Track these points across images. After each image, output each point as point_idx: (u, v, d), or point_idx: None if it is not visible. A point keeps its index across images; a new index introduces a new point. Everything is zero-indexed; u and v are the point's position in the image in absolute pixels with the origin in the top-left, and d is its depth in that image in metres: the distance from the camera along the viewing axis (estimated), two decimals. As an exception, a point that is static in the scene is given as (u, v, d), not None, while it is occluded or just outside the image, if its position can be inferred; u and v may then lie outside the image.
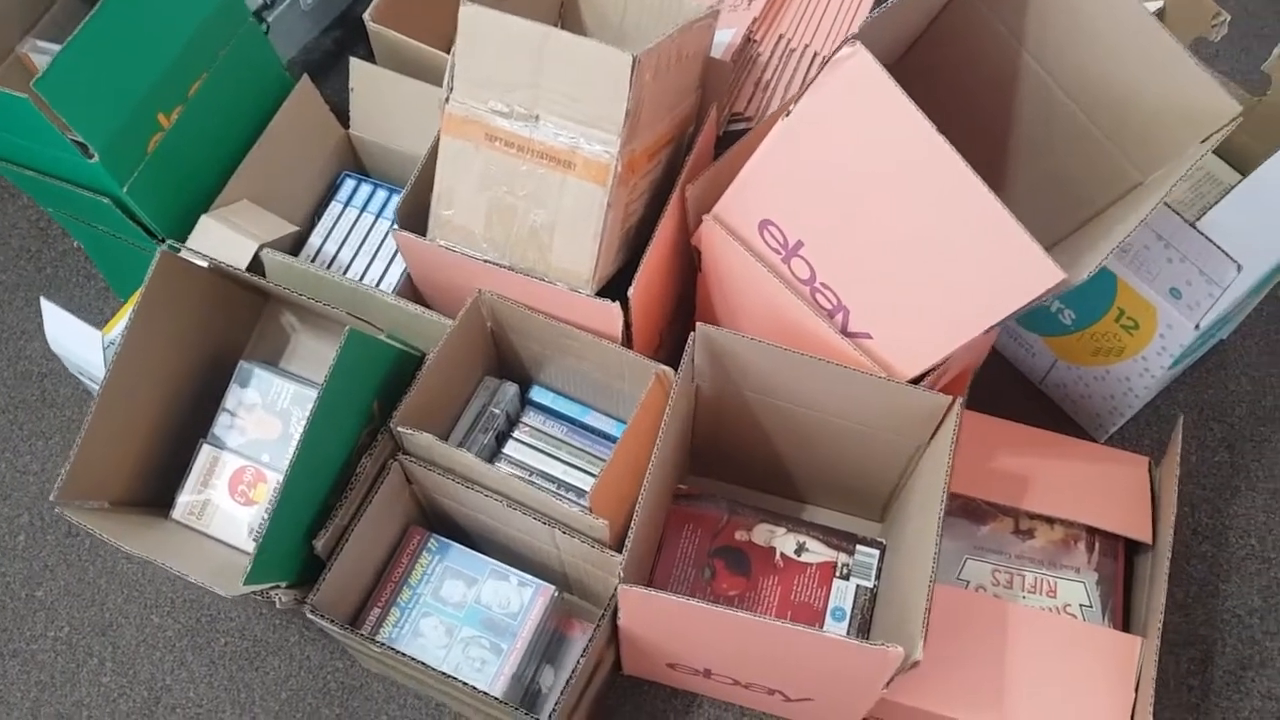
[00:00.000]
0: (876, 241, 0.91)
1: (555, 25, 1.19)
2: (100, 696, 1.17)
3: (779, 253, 1.00)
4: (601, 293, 1.02)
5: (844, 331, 0.99)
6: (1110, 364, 1.18)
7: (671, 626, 0.97)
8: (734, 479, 1.24)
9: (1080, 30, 0.95)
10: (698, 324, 0.99)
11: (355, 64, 1.23)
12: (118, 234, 1.15)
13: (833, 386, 1.00)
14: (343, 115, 1.29)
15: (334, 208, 1.27)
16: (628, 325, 1.05)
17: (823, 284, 0.98)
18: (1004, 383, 1.33)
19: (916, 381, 0.97)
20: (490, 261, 1.02)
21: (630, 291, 1.01)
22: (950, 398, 0.96)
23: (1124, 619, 1.10)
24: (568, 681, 0.96)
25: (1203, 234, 1.00)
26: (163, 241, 1.11)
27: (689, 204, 1.06)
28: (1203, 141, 0.91)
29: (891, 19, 0.88)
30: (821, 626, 1.09)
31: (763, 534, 1.15)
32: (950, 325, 0.90)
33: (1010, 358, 1.33)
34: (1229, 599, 1.20)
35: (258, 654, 1.18)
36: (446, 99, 0.97)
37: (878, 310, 0.96)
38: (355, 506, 1.02)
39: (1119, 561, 1.11)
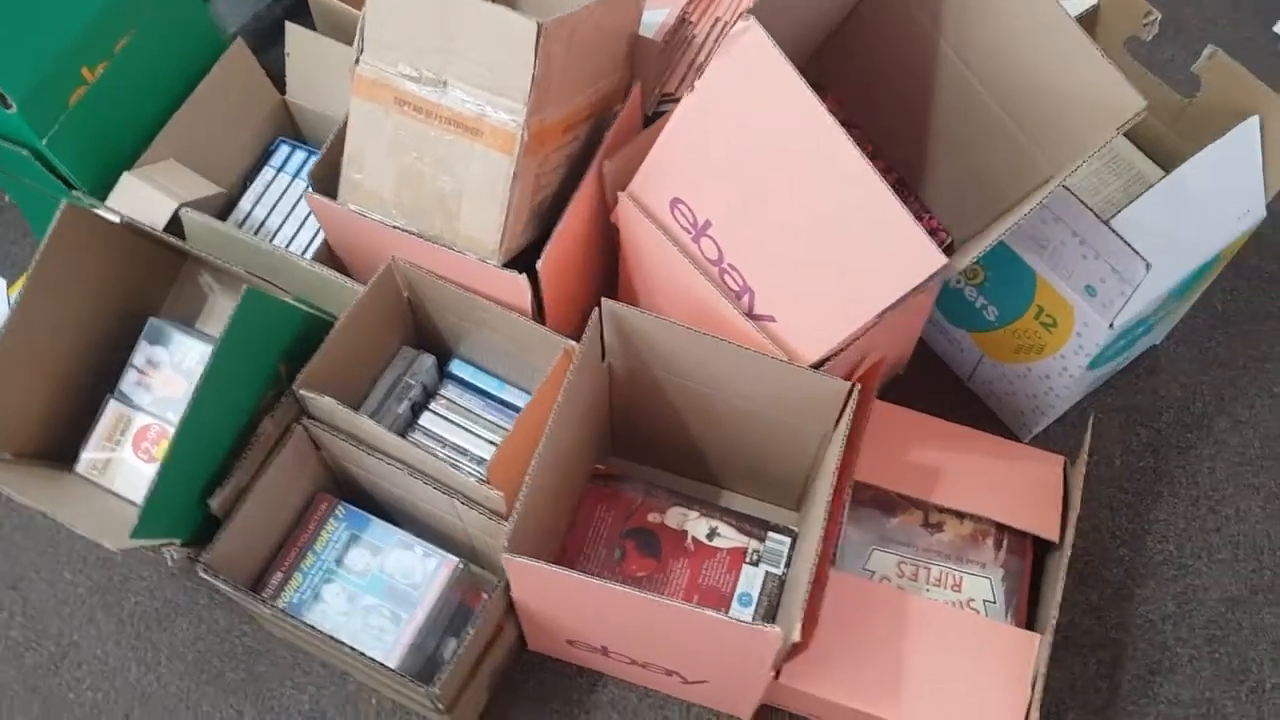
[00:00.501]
0: (777, 222, 0.91)
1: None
2: (7, 650, 1.17)
3: (689, 232, 1.00)
4: (517, 266, 1.02)
5: (749, 314, 0.98)
6: (1031, 361, 1.18)
7: (561, 600, 0.97)
8: (654, 462, 1.24)
9: (994, 21, 0.95)
10: (603, 300, 0.99)
11: (291, 29, 1.23)
12: (42, 187, 1.15)
13: (737, 368, 1.00)
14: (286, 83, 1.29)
15: (266, 173, 1.27)
16: (539, 299, 1.05)
17: (730, 264, 0.98)
18: (934, 378, 1.32)
19: (818, 366, 0.97)
20: (400, 228, 1.02)
21: (539, 264, 1.01)
22: (848, 384, 0.96)
23: (1029, 617, 1.09)
24: (455, 651, 0.96)
25: (1114, 231, 0.99)
26: (84, 194, 1.12)
27: (608, 180, 1.06)
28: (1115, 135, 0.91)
29: (793, -4, 0.87)
30: (727, 611, 1.09)
31: (675, 517, 1.15)
32: (844, 310, 0.90)
33: (940, 353, 1.32)
34: (1143, 604, 1.19)
35: (167, 614, 1.18)
36: (357, 60, 0.97)
37: (781, 293, 0.95)
38: (255, 467, 1.01)
39: (1026, 559, 1.11)
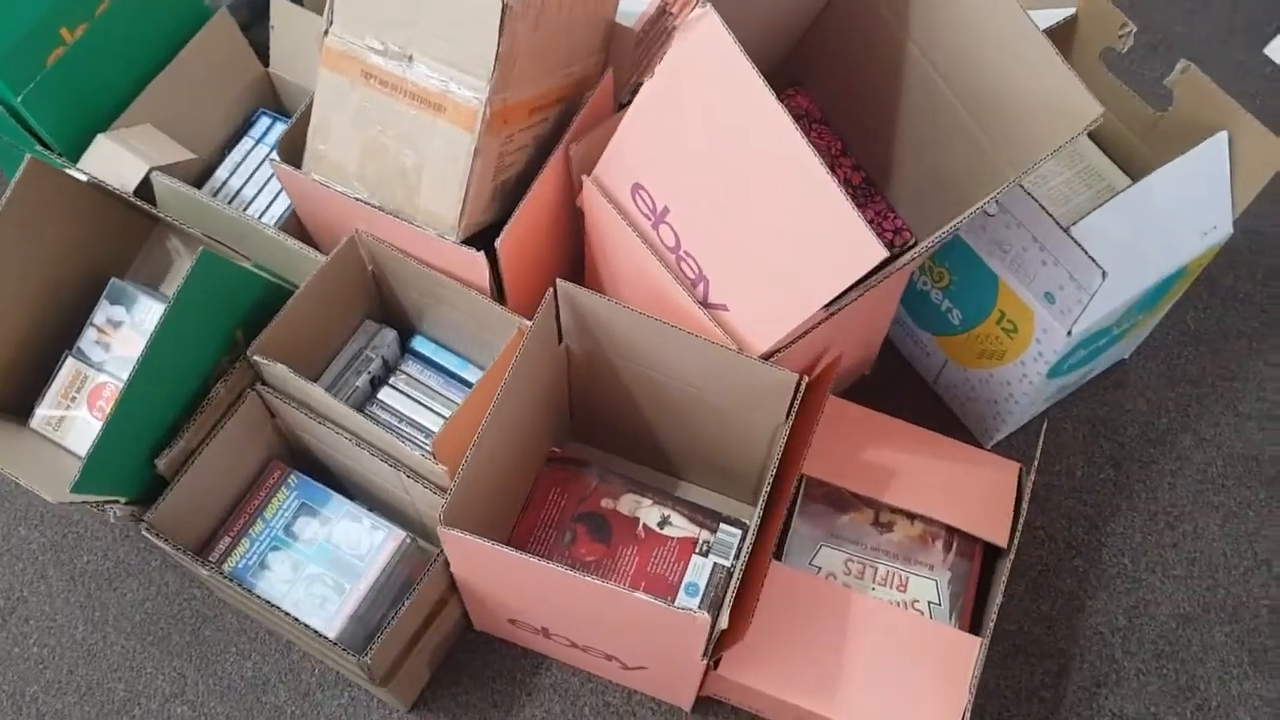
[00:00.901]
0: (729, 211, 0.91)
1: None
2: (-43, 602, 1.18)
3: (649, 218, 1.00)
4: (478, 244, 1.02)
5: (704, 302, 0.98)
6: (993, 367, 1.18)
7: (497, 576, 0.97)
8: (615, 449, 1.24)
9: (959, 23, 0.95)
10: (557, 280, 0.99)
11: (276, 2, 1.24)
12: (19, 146, 1.16)
13: (688, 356, 1.00)
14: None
15: (245, 143, 1.28)
16: (499, 278, 1.05)
17: (686, 252, 0.98)
18: (900, 381, 1.32)
19: (769, 358, 0.97)
20: (362, 200, 1.02)
21: (498, 243, 1.01)
22: (796, 376, 0.96)
23: (974, 622, 1.09)
24: (386, 617, 0.96)
25: (1072, 238, 0.99)
26: (60, 155, 1.13)
27: (574, 164, 1.06)
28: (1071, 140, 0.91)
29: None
30: (674, 600, 1.09)
31: (629, 504, 1.15)
32: (790, 301, 0.90)
33: (907, 355, 1.32)
34: (1094, 616, 1.19)
35: (118, 575, 1.19)
36: (326, 31, 0.97)
37: (733, 282, 0.95)
38: (206, 431, 1.02)
39: (975, 563, 1.11)
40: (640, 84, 1.19)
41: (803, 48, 1.11)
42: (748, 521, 1.14)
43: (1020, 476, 1.12)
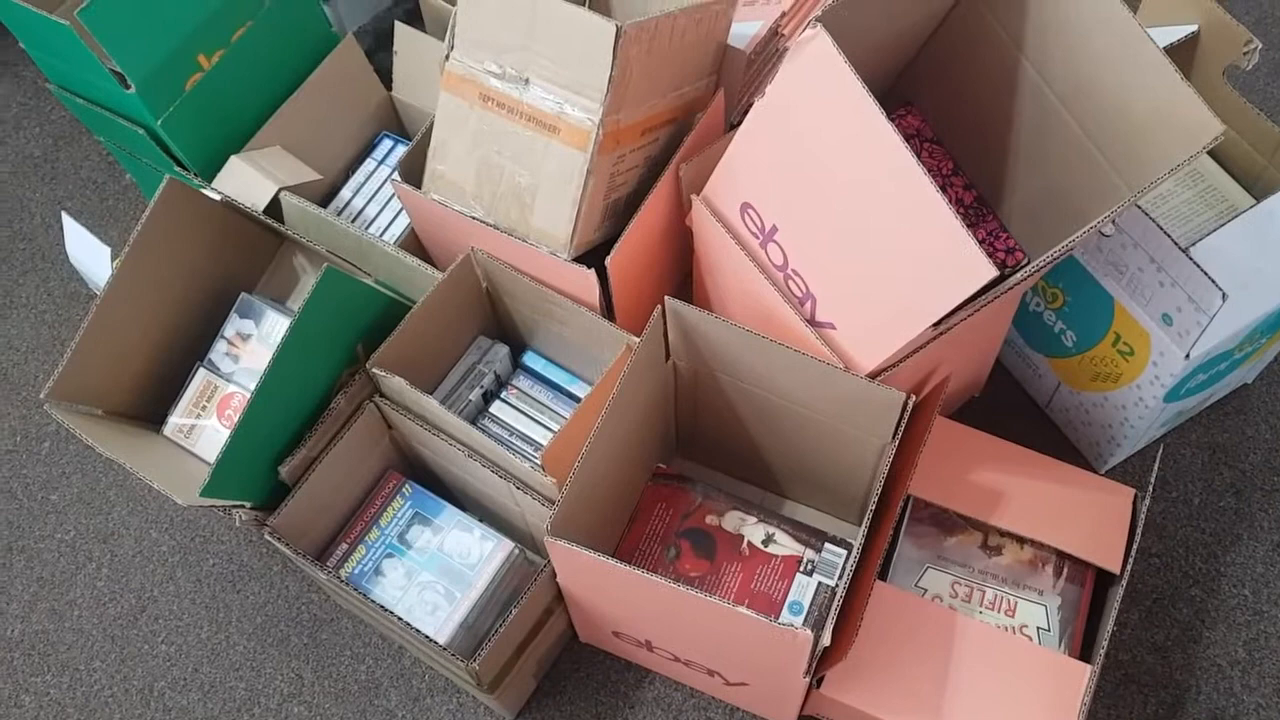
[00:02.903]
0: (838, 230, 0.92)
1: (582, 1, 1.22)
2: (93, 599, 1.24)
3: (757, 237, 1.01)
4: (589, 263, 1.04)
5: (811, 320, 0.99)
6: (1108, 390, 1.16)
7: (602, 587, 0.99)
8: (721, 466, 1.25)
9: (1074, 41, 0.94)
10: (666, 298, 1.01)
11: (400, 28, 1.29)
12: (157, 166, 1.22)
13: (795, 373, 1.00)
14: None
15: (368, 164, 1.33)
16: (608, 296, 1.07)
17: (794, 270, 0.99)
18: (1012, 403, 1.30)
19: (875, 377, 0.97)
20: (478, 219, 1.05)
21: (608, 261, 1.03)
22: (903, 395, 0.95)
23: (1084, 649, 1.07)
24: (494, 626, 0.99)
25: (1191, 259, 0.97)
26: (195, 175, 1.19)
27: (684, 184, 1.08)
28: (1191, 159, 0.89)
29: (865, 5, 0.88)
30: (777, 618, 1.09)
31: (733, 521, 1.16)
32: (898, 320, 0.90)
33: (1019, 378, 1.30)
34: (1212, 647, 1.16)
35: (241, 578, 1.24)
36: (447, 56, 1.01)
37: (840, 300, 0.96)
38: (326, 440, 1.06)
39: (1086, 589, 1.09)
40: (751, 104, 1.21)
41: (915, 67, 1.11)
42: (853, 541, 1.14)
43: (1135, 502, 1.10)
